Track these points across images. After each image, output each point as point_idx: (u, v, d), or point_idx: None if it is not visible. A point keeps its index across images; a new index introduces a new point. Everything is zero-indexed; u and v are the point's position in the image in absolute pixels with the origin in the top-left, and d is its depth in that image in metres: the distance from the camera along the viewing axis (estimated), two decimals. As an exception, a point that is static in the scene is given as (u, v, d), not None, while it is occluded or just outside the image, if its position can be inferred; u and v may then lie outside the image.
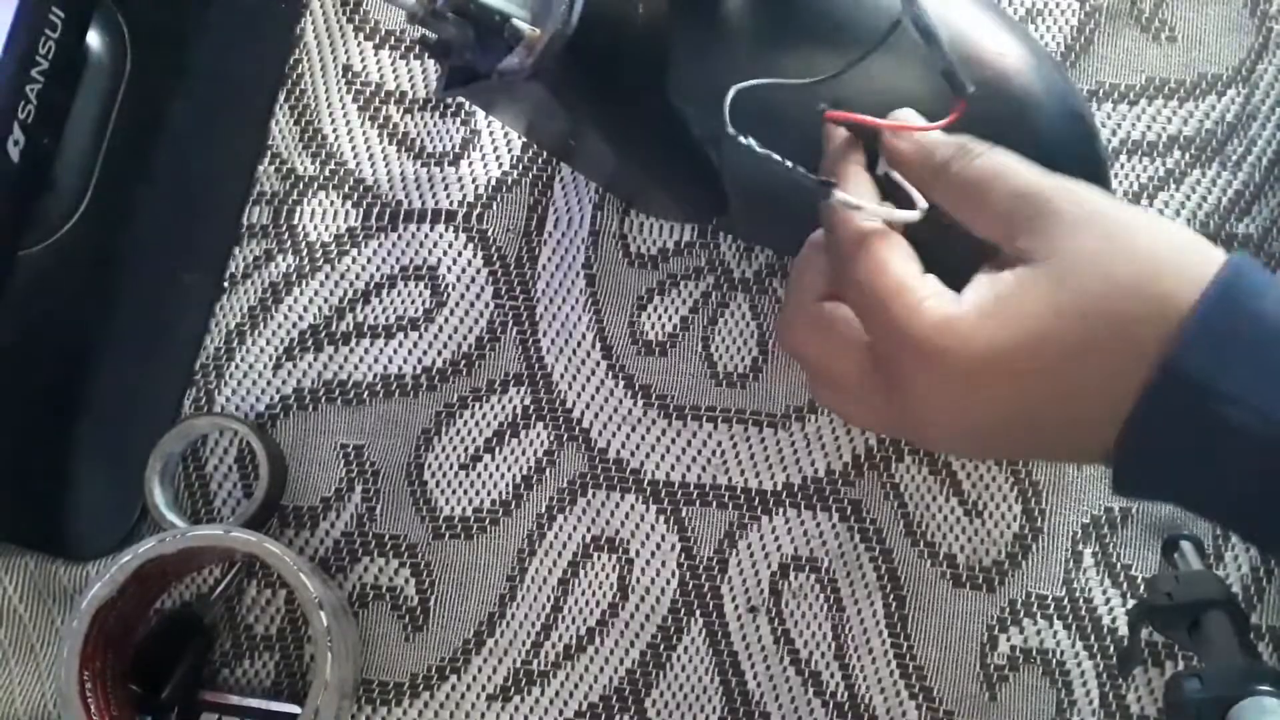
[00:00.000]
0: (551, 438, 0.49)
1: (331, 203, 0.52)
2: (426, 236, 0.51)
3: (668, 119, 0.40)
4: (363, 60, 0.53)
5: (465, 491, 0.49)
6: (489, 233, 0.51)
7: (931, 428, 0.33)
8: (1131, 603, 0.46)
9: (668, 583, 0.48)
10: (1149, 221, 0.31)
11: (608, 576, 0.48)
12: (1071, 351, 0.30)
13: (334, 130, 0.53)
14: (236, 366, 0.51)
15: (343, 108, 0.53)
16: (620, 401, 0.49)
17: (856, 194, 0.33)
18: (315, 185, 0.52)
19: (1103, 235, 0.31)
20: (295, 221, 0.52)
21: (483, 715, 0.48)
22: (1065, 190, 0.32)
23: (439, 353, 0.50)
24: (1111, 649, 0.46)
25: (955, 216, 0.33)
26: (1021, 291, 0.31)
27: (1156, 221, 0.32)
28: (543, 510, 0.49)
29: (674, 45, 0.40)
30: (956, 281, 0.33)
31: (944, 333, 0.31)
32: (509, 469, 0.49)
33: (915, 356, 0.32)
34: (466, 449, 0.50)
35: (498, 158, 0.52)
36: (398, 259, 0.51)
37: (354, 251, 0.52)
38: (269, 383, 0.51)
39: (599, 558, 0.48)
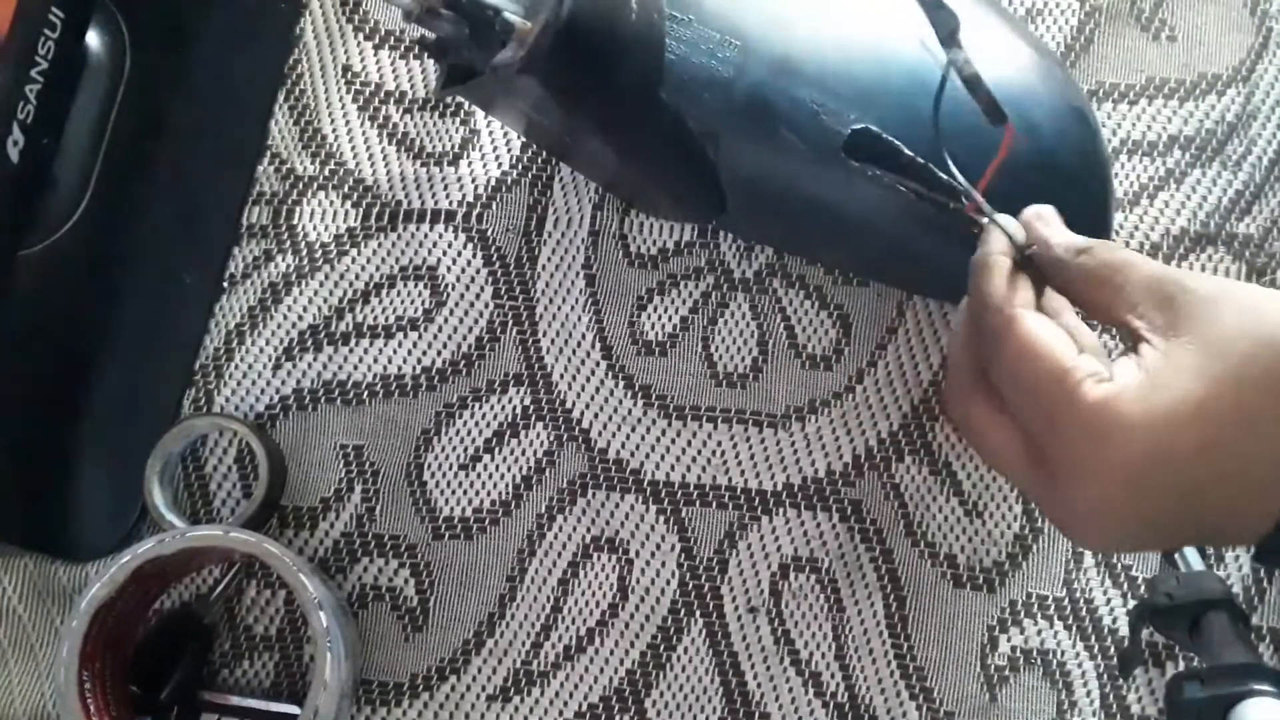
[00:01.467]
0: (551, 438, 0.49)
1: (331, 203, 0.52)
2: (426, 236, 0.51)
3: (663, 114, 0.40)
4: (362, 60, 0.53)
5: (465, 492, 0.49)
6: (489, 233, 0.51)
7: (1095, 518, 0.33)
8: (1132, 603, 0.46)
9: (668, 583, 0.48)
10: (1274, 292, 0.33)
11: (608, 577, 0.48)
12: (1229, 418, 0.31)
13: (334, 130, 0.53)
14: (236, 366, 0.51)
15: (342, 108, 0.53)
16: (620, 401, 0.49)
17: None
18: (315, 185, 0.52)
19: (1241, 306, 0.32)
20: (295, 221, 0.52)
21: (483, 715, 0.48)
22: (1195, 273, 0.34)
23: (439, 353, 0.50)
24: (1112, 649, 0.46)
25: (1088, 299, 0.35)
26: (1170, 365, 0.31)
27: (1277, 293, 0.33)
28: (543, 510, 0.49)
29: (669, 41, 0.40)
30: None
31: (1104, 412, 0.31)
32: (509, 469, 0.49)
33: (1077, 440, 0.32)
34: (466, 449, 0.50)
35: (497, 158, 0.52)
36: (397, 259, 0.51)
37: (354, 251, 0.52)
38: (269, 383, 0.51)
39: (599, 558, 0.48)
